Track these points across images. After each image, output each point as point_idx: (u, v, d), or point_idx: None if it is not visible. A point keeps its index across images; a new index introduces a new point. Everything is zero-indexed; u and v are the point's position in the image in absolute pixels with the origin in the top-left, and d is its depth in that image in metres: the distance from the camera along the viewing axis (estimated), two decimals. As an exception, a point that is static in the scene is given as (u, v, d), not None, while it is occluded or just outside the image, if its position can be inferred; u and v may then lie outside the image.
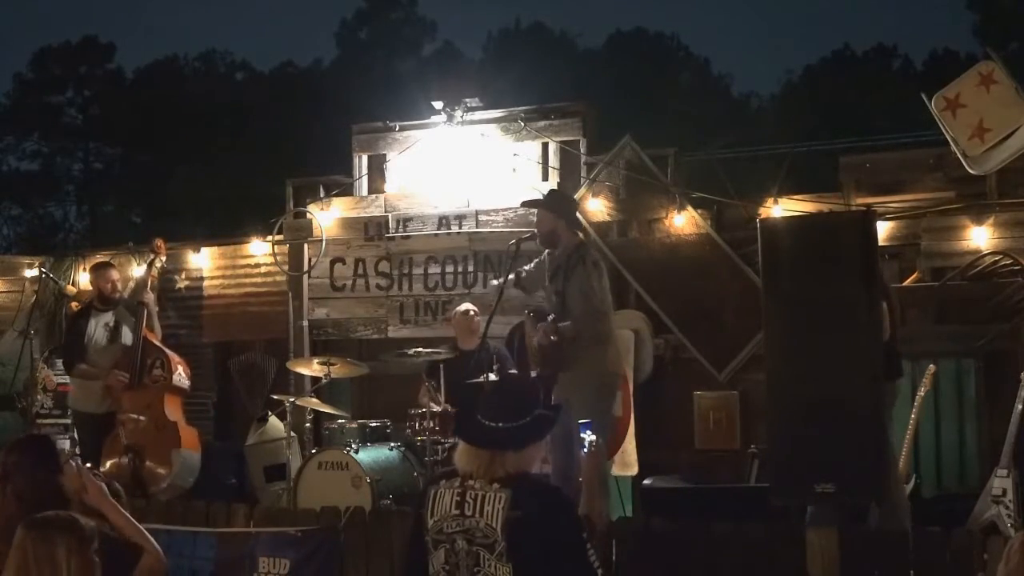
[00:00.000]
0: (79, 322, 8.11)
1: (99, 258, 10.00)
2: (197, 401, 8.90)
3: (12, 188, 34.43)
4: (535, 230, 6.60)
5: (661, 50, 33.79)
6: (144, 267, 8.50)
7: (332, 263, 8.91)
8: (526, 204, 7.00)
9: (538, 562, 3.36)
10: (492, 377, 6.66)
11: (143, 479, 7.56)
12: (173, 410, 7.86)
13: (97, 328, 8.04)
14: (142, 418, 7.74)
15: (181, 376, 7.95)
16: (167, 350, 7.99)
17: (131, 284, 9.14)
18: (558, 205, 6.65)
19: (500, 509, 3.36)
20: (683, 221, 7.94)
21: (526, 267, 6.70)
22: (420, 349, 7.51)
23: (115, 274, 8.28)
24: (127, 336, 7.99)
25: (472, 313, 7.75)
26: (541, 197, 6.96)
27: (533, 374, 6.44)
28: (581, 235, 6.83)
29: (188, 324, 9.53)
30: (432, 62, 32.70)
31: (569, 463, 6.35)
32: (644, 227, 8.10)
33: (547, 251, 6.58)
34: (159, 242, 8.43)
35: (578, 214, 7.13)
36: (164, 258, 8.54)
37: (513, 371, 7.02)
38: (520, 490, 3.39)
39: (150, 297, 8.13)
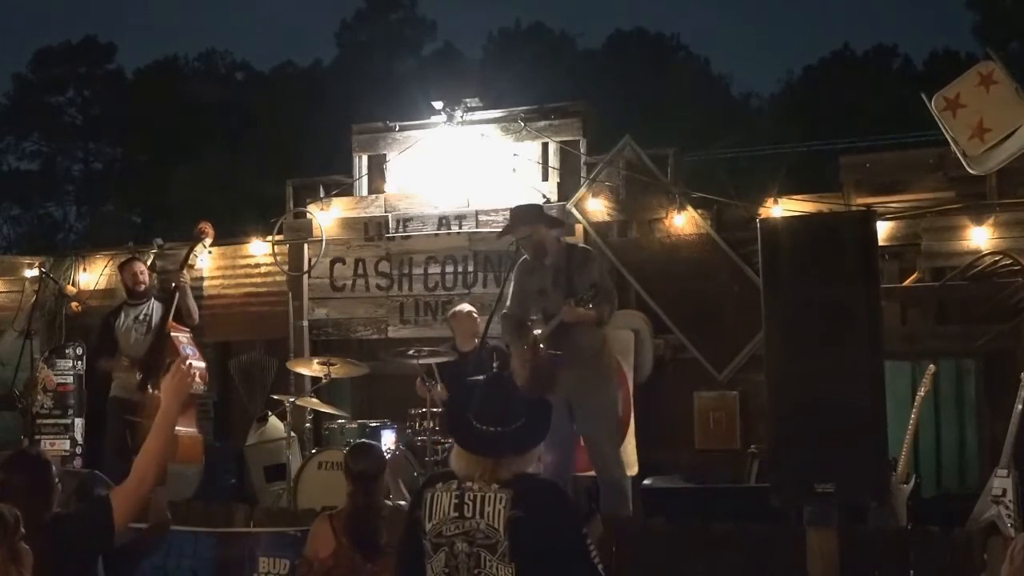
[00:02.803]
0: (107, 320, 8.21)
1: (99, 258, 10.04)
2: (198, 401, 8.89)
3: (12, 188, 34.44)
4: (525, 248, 6.51)
5: (661, 50, 33.80)
6: (203, 256, 8.60)
7: (332, 263, 8.90)
8: (503, 235, 6.85)
9: (541, 561, 3.36)
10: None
11: None
12: (179, 418, 7.77)
13: (127, 322, 8.10)
14: (150, 422, 7.69)
15: (194, 382, 7.88)
16: (186, 351, 7.88)
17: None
18: (525, 216, 6.64)
19: (501, 509, 3.35)
20: (683, 221, 7.93)
21: (507, 309, 6.59)
22: (421, 349, 7.50)
23: (139, 266, 8.40)
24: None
25: (473, 314, 7.74)
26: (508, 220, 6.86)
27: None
28: (560, 231, 6.81)
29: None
30: (432, 62, 32.70)
31: (566, 462, 6.38)
32: (644, 227, 8.10)
33: (519, 267, 6.57)
34: (204, 225, 8.46)
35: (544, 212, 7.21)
36: (209, 241, 8.57)
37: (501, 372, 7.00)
38: (521, 489, 3.39)
39: (185, 279, 8.16)
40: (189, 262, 8.43)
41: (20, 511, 3.47)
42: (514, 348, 6.49)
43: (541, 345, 6.27)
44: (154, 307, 8.20)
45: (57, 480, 3.95)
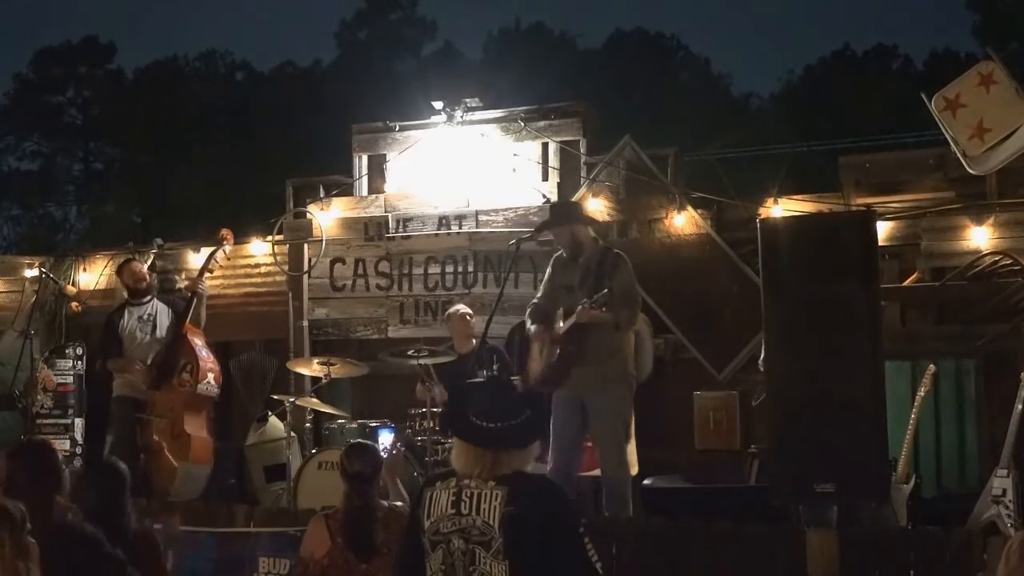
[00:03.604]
0: (111, 320, 8.22)
1: (99, 258, 10.06)
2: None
3: (12, 188, 34.40)
4: (558, 245, 6.60)
5: (661, 50, 33.78)
6: (205, 256, 8.59)
7: (332, 263, 8.90)
8: (532, 237, 6.93)
9: (536, 557, 3.37)
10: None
11: (150, 483, 7.55)
12: (192, 419, 7.79)
13: (131, 322, 8.11)
14: (161, 421, 7.74)
15: (209, 384, 7.90)
16: (200, 352, 7.93)
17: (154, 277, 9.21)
18: (565, 214, 6.73)
19: (497, 506, 3.38)
20: (683, 221, 7.93)
21: (536, 299, 6.67)
22: (421, 349, 7.50)
23: (138, 266, 8.44)
24: (164, 330, 8.06)
25: (467, 315, 7.76)
26: (548, 215, 6.91)
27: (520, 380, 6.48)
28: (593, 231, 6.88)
29: (188, 324, 9.53)
30: (432, 62, 32.69)
31: (570, 462, 6.39)
32: (644, 227, 8.10)
33: (555, 260, 6.62)
34: (225, 232, 8.49)
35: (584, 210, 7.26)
36: (229, 248, 8.58)
37: (510, 372, 7.02)
38: (517, 487, 3.41)
39: (204, 286, 8.17)
40: (209, 268, 8.42)
41: (29, 498, 3.58)
42: (534, 339, 6.52)
43: (559, 340, 6.31)
44: (157, 307, 8.21)
45: (65, 468, 4.03)
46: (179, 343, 7.92)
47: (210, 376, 7.90)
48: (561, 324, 6.39)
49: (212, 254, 8.46)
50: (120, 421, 8.00)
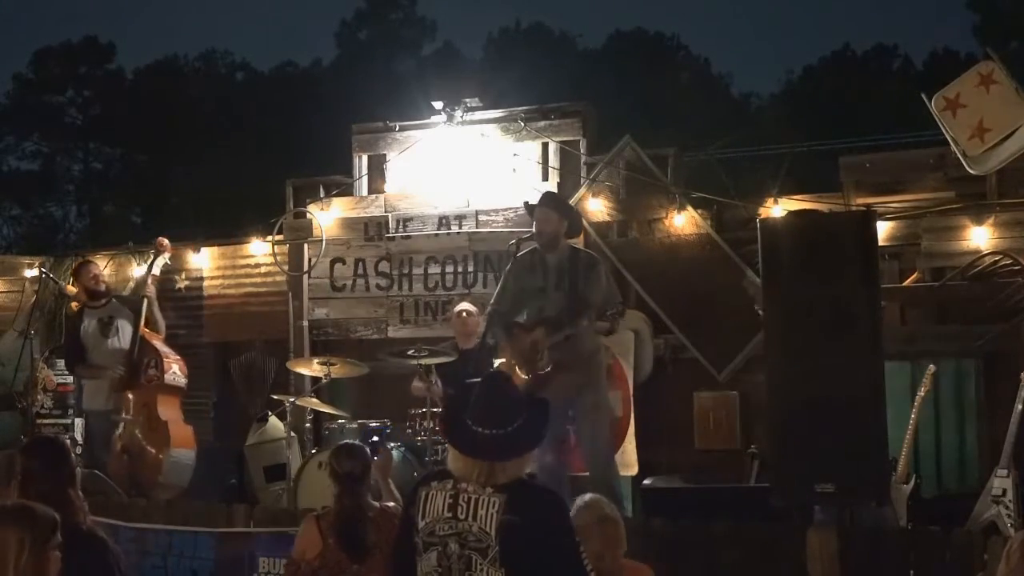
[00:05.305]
0: (74, 323, 8.28)
1: (99, 259, 10.04)
2: (197, 401, 8.90)
3: (12, 188, 34.42)
4: (539, 230, 6.60)
5: (661, 50, 33.82)
6: (145, 266, 8.57)
7: (332, 263, 8.90)
8: (534, 205, 6.91)
9: (532, 567, 3.33)
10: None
11: (139, 479, 7.59)
12: (166, 409, 7.90)
13: (92, 326, 8.13)
14: (137, 418, 7.79)
15: (176, 374, 7.99)
16: (161, 348, 8.03)
17: (131, 284, 9.27)
18: (567, 209, 6.76)
19: (494, 514, 3.32)
20: (683, 221, 7.93)
21: (494, 306, 6.64)
22: (421, 348, 7.49)
23: (95, 269, 8.48)
24: (125, 331, 8.08)
25: (467, 313, 7.76)
26: (539, 197, 6.91)
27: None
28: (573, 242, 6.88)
29: (188, 324, 9.53)
30: (432, 62, 32.71)
31: (561, 463, 6.40)
32: (644, 227, 8.10)
33: (516, 264, 6.60)
34: (161, 240, 8.49)
35: (583, 221, 7.27)
36: (168, 255, 8.58)
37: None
38: (515, 495, 3.35)
39: (151, 291, 8.20)
40: (154, 272, 8.42)
41: (43, 489, 3.67)
42: (510, 348, 6.50)
43: (546, 351, 6.31)
44: (116, 309, 8.22)
45: (77, 467, 4.11)
46: (140, 344, 7.99)
47: (175, 367, 7.99)
48: (542, 331, 6.36)
49: (151, 264, 8.43)
50: (94, 434, 8.06)
